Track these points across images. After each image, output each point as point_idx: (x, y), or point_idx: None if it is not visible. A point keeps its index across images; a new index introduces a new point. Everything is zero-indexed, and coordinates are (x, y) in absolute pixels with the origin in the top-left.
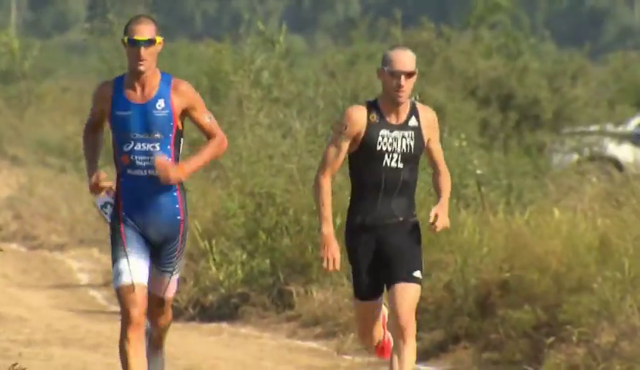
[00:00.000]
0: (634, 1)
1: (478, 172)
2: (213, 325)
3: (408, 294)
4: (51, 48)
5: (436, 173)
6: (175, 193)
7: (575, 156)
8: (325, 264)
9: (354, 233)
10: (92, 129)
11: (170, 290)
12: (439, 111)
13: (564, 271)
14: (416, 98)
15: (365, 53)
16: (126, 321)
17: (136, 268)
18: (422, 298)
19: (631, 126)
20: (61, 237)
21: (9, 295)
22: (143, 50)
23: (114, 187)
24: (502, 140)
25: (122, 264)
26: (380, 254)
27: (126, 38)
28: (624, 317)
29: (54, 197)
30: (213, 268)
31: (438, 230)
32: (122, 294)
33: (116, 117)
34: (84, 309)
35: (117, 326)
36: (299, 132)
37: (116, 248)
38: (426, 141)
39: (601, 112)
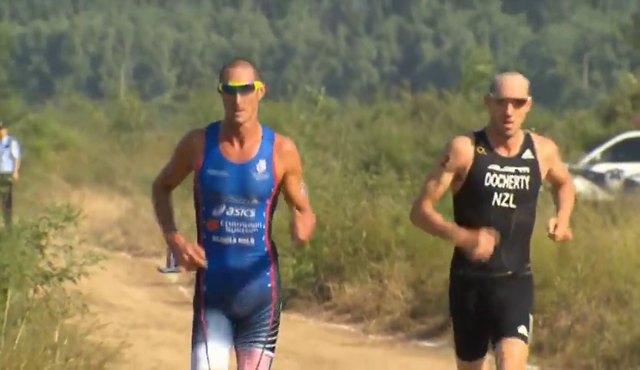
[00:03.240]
0: (582, 72)
1: None
2: None
3: (512, 355)
4: (151, 107)
5: (557, 186)
6: (268, 260)
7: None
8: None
9: (457, 288)
10: (164, 188)
11: (263, 368)
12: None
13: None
14: (531, 130)
15: (385, 110)
16: None
17: (215, 355)
18: (425, 290)
19: (581, 164)
20: (157, 247)
21: (119, 290)
22: (239, 97)
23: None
24: None
25: (201, 351)
26: (484, 311)
27: (221, 85)
28: (577, 306)
29: (152, 218)
30: None
31: (558, 240)
32: None
33: (208, 176)
34: (174, 301)
35: None
36: (335, 169)
37: (196, 332)
38: (543, 175)
39: (561, 153)
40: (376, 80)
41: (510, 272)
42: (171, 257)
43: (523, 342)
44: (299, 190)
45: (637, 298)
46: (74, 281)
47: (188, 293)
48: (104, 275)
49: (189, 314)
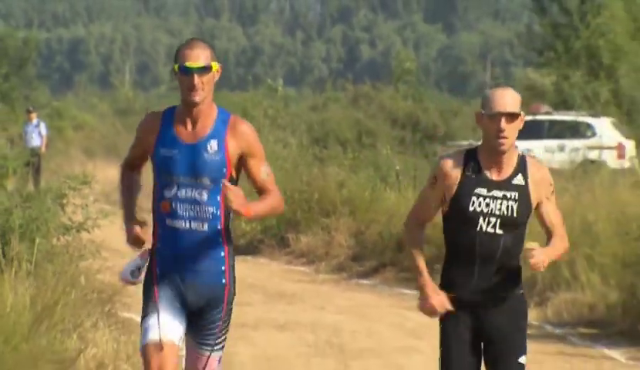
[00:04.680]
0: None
1: (397, 167)
2: (241, 257)
3: None
4: (149, 96)
5: (547, 233)
6: (222, 253)
7: None
8: (432, 312)
9: (447, 313)
10: (129, 168)
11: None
12: (373, 135)
13: None
14: (527, 153)
15: (332, 98)
16: None
17: (167, 326)
18: (364, 239)
19: None
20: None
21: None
22: (196, 78)
23: (149, 246)
24: (412, 149)
25: (151, 319)
26: (478, 337)
27: (177, 66)
28: None
29: (151, 181)
30: (243, 224)
31: (532, 261)
32: (148, 354)
33: (160, 156)
34: None
35: None
36: (292, 145)
37: (146, 304)
38: (534, 204)
39: (469, 133)
40: (325, 74)
41: (502, 295)
42: (132, 266)
43: None
44: (259, 171)
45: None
46: (89, 232)
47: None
48: (112, 227)
49: None
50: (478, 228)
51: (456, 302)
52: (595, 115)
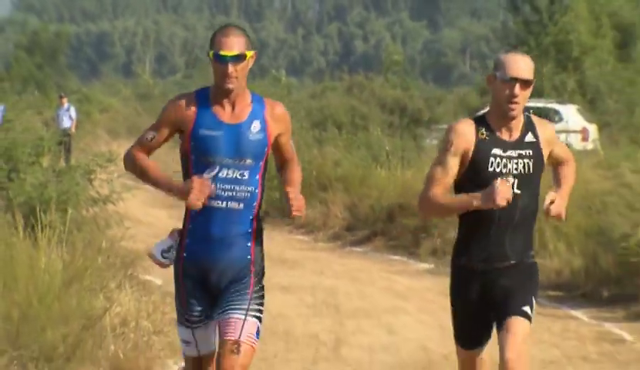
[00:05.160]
0: (465, 61)
1: (387, 148)
2: None
3: (515, 331)
4: (166, 83)
5: (559, 164)
6: (250, 230)
7: (436, 141)
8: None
9: (459, 277)
10: (144, 150)
11: (248, 334)
12: (366, 119)
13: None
14: (529, 112)
15: (329, 87)
16: None
17: (202, 338)
18: (357, 212)
19: None
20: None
21: (145, 211)
22: (230, 67)
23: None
24: (400, 132)
25: (187, 333)
26: (488, 300)
27: (212, 53)
28: None
29: (168, 159)
30: None
31: (552, 213)
32: (190, 365)
33: (200, 136)
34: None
35: None
36: (294, 128)
37: (178, 308)
38: (545, 159)
39: (451, 118)
40: (323, 66)
41: (513, 261)
42: (163, 245)
43: (526, 321)
44: (289, 147)
45: None
46: (114, 204)
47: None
48: (134, 200)
49: None
50: None
51: (468, 270)
52: (562, 102)
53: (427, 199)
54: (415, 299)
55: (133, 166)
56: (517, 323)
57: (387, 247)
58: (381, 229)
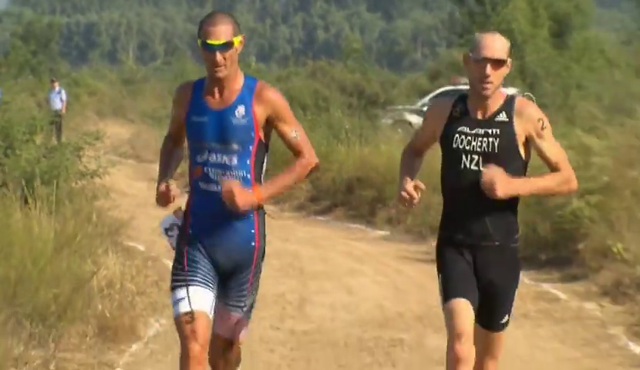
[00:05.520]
0: (417, 49)
1: (346, 127)
2: None
3: (488, 346)
4: (147, 69)
5: (551, 169)
6: (252, 215)
7: (391, 121)
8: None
9: (444, 246)
10: (171, 140)
11: (240, 331)
12: (327, 101)
13: (384, 174)
14: (523, 94)
15: (294, 72)
16: (185, 356)
17: (197, 296)
18: (320, 184)
19: (417, 105)
20: (153, 156)
21: (129, 184)
22: (218, 55)
23: (183, 206)
24: (358, 112)
25: (182, 291)
26: (474, 271)
27: (200, 41)
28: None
29: (149, 137)
30: None
31: (484, 178)
32: (181, 325)
33: (191, 123)
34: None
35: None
36: None
37: (177, 272)
38: (519, 140)
39: (404, 100)
40: (289, 53)
41: (497, 243)
42: (170, 220)
43: (502, 332)
44: (291, 132)
45: None
46: (100, 178)
47: (176, 185)
48: (119, 174)
49: (178, 198)
50: (462, 166)
51: (453, 241)
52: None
53: (402, 154)
54: (372, 263)
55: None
56: (490, 337)
57: (347, 216)
58: (341, 200)
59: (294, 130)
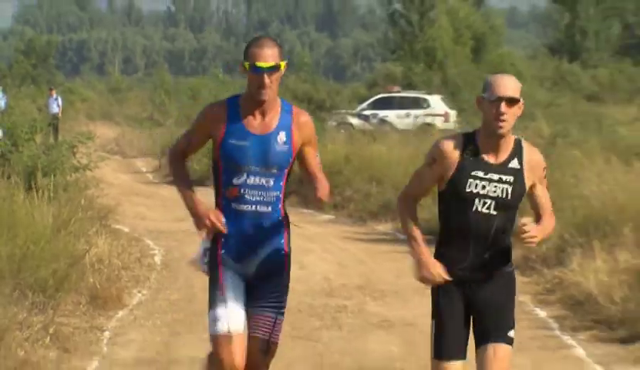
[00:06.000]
0: (357, 62)
1: None
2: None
3: (500, 359)
4: (131, 79)
5: (539, 213)
6: (282, 228)
7: (335, 123)
8: (429, 280)
9: (440, 286)
10: (182, 156)
11: (276, 333)
12: None
13: (330, 167)
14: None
15: None
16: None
17: (233, 316)
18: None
19: (357, 110)
20: (136, 153)
21: (115, 176)
22: (266, 78)
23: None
24: None
25: (220, 311)
26: (469, 310)
27: (247, 64)
28: (355, 184)
29: (132, 137)
30: (195, 165)
31: (525, 236)
32: (219, 343)
33: (229, 146)
34: (144, 181)
35: (157, 187)
36: None
37: (213, 291)
38: (527, 187)
39: (347, 105)
40: None
41: (494, 271)
42: (201, 252)
43: (510, 347)
44: (314, 158)
45: (387, 178)
46: (91, 171)
47: (154, 177)
48: (107, 168)
49: (155, 188)
50: (474, 208)
51: (450, 275)
52: (430, 93)
53: (401, 201)
54: (320, 242)
55: (171, 168)
56: (503, 349)
57: (299, 203)
58: (294, 189)
59: (317, 158)
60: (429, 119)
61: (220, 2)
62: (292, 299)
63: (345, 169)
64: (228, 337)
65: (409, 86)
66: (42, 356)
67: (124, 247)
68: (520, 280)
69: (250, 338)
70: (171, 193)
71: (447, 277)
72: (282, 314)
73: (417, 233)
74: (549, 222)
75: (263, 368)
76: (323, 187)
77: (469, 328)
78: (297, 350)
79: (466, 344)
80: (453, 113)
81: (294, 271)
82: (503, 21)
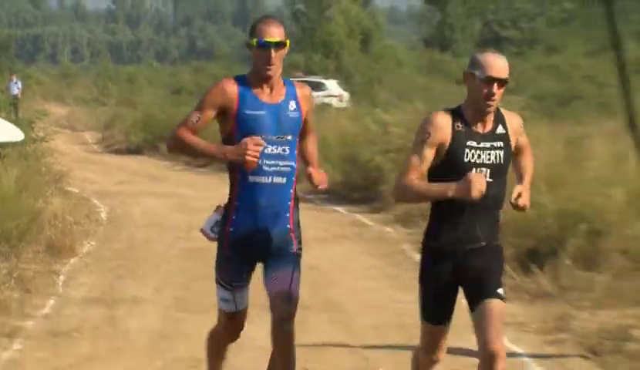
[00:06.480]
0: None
1: None
2: (133, 156)
3: (494, 315)
4: (77, 66)
5: (519, 154)
6: (289, 202)
7: None
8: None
9: (430, 258)
10: (188, 131)
11: (295, 283)
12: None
13: None
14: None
15: (181, 69)
16: (229, 332)
17: (240, 296)
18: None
19: None
20: (82, 127)
21: (66, 146)
22: (273, 53)
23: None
24: None
25: (227, 293)
26: (458, 279)
27: (255, 41)
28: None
29: (80, 115)
30: (132, 137)
31: (520, 205)
32: (227, 318)
33: (246, 116)
34: (93, 151)
35: (101, 156)
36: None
37: (221, 272)
38: (513, 148)
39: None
40: (177, 56)
41: (483, 243)
42: (212, 221)
43: (503, 302)
44: (311, 123)
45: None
46: (47, 142)
47: (99, 147)
48: (59, 140)
49: (100, 156)
50: None
51: (440, 252)
52: (327, 78)
53: (403, 186)
54: None
55: (182, 144)
56: (495, 304)
57: (222, 169)
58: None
59: (311, 119)
60: (326, 100)
61: (153, 1)
62: (214, 248)
63: None
64: (234, 314)
65: (310, 72)
66: (8, 296)
67: (75, 205)
68: (402, 231)
69: (274, 295)
70: (113, 160)
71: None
72: (299, 269)
73: (427, 185)
74: (530, 163)
75: (290, 319)
76: (320, 177)
77: (456, 293)
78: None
79: (452, 308)
80: (346, 95)
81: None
82: (384, 18)
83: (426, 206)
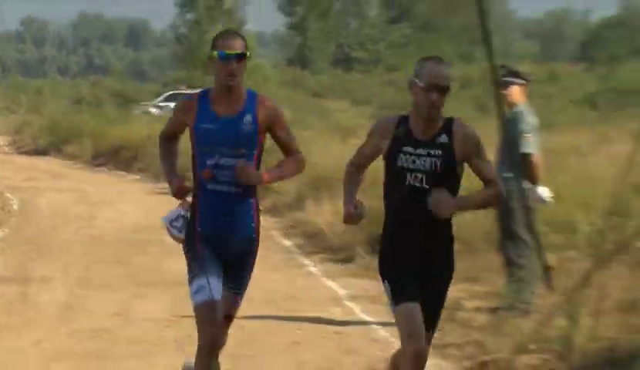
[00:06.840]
0: (155, 67)
1: (113, 115)
2: (41, 157)
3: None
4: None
5: (483, 183)
6: (252, 212)
7: (138, 111)
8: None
9: (387, 246)
10: (167, 139)
11: (235, 308)
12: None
13: (137, 142)
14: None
15: (81, 83)
16: (206, 341)
17: (215, 285)
18: (100, 148)
19: (155, 102)
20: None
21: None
22: (234, 64)
23: (189, 199)
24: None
25: (202, 281)
26: (416, 268)
27: (216, 53)
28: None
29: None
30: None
31: (431, 208)
32: (202, 312)
33: (201, 129)
34: (3, 151)
35: (12, 156)
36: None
37: (193, 263)
38: (458, 160)
39: (148, 99)
40: (76, 71)
41: (434, 245)
42: (174, 215)
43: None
44: (281, 134)
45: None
46: None
47: (10, 149)
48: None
49: (11, 157)
50: (406, 182)
51: (393, 250)
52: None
53: (346, 171)
54: (130, 194)
55: (159, 150)
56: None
57: (116, 168)
58: (112, 158)
59: (285, 132)
60: None
61: (55, 26)
62: (113, 234)
63: (147, 143)
64: (210, 303)
65: (191, 86)
66: None
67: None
68: (271, 220)
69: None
70: (23, 160)
71: (355, 217)
72: (243, 294)
73: (349, 188)
74: (487, 192)
75: (223, 334)
76: (241, 171)
77: (417, 279)
78: (116, 270)
79: (418, 288)
80: None
81: (114, 215)
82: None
83: (290, 200)
